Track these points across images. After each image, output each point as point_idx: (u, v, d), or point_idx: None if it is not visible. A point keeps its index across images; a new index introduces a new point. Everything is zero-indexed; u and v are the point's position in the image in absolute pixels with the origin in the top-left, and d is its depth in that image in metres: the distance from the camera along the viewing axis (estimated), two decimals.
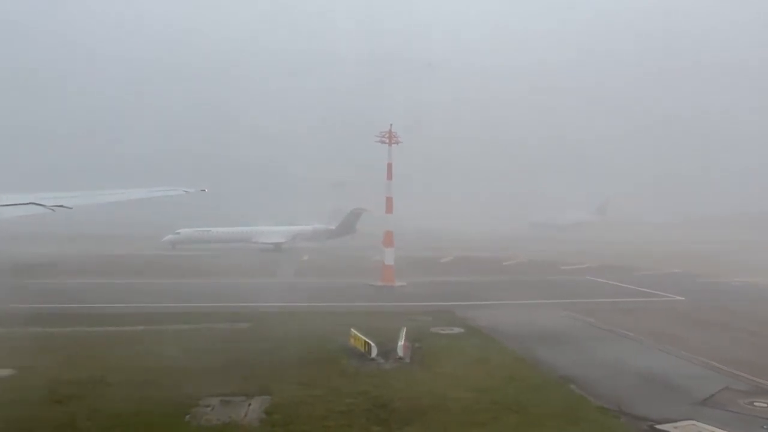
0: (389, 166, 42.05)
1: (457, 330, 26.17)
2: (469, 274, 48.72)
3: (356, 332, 22.52)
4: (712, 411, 15.94)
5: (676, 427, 14.53)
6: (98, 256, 64.19)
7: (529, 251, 69.14)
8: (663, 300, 35.66)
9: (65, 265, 54.45)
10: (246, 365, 20.20)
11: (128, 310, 30.53)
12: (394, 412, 15.61)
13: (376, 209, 77.69)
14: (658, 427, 14.64)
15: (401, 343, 21.43)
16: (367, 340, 21.40)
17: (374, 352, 20.94)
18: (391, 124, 42.10)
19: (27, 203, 12.76)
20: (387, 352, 21.37)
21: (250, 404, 16.28)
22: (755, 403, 16.50)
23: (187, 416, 15.33)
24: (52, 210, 12.75)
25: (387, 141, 41.86)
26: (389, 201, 42.19)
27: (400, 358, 20.96)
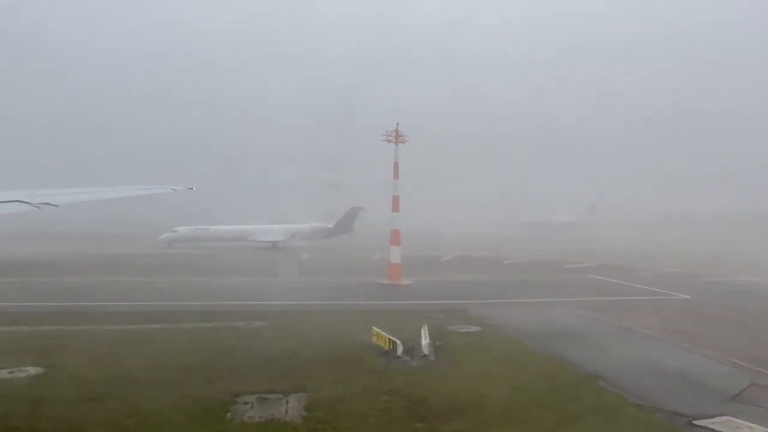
0: (396, 165, 42.17)
1: (474, 328, 26.31)
2: (473, 273, 48.91)
3: (379, 330, 22.63)
4: (743, 407, 16.20)
5: (713, 423, 14.75)
6: (97, 255, 63.82)
7: (525, 251, 69.48)
8: (670, 298, 36.04)
9: (65, 264, 54.14)
10: (273, 363, 20.21)
11: (141, 309, 30.40)
12: (432, 409, 15.71)
13: (370, 208, 78.54)
14: (696, 422, 14.85)
15: (426, 341, 21.52)
16: (392, 338, 21.51)
17: (400, 350, 21.03)
18: (397, 123, 42.20)
19: (13, 201, 12.61)
20: (411, 349, 21.48)
21: (288, 401, 16.31)
22: None
23: (229, 413, 15.33)
24: (38, 208, 12.58)
25: (393, 140, 41.89)
26: (396, 200, 42.32)
27: (425, 356, 21.06)
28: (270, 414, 15.35)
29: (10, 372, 18.88)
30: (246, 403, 16.13)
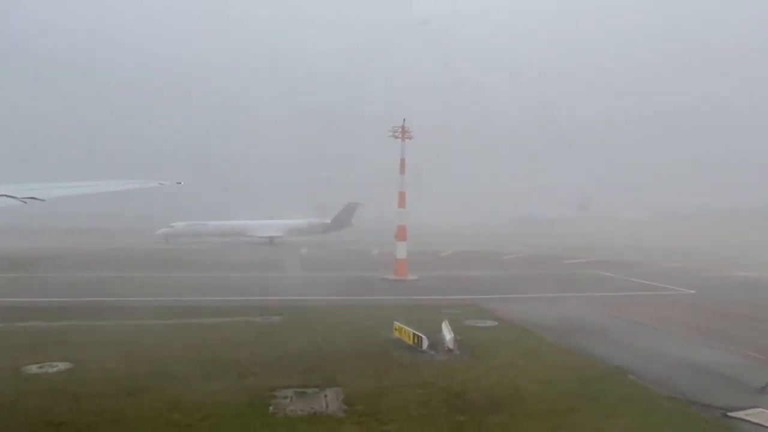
0: (402, 161, 42.26)
1: (491, 323, 26.53)
2: (477, 268, 49.21)
3: (402, 325, 22.79)
4: None
5: (747, 414, 15.05)
6: (96, 250, 63.55)
7: (521, 246, 69.95)
8: (677, 293, 36.47)
9: (67, 259, 53.84)
10: (299, 358, 20.29)
11: (155, 304, 30.37)
12: (470, 402, 15.87)
13: (366, 203, 78.81)
14: (730, 414, 15.16)
15: (451, 335, 21.70)
16: (416, 332, 21.66)
17: (425, 345, 21.19)
18: (404, 119, 42.23)
19: None
20: (434, 344, 21.64)
21: (326, 395, 16.42)
22: None
23: (270, 407, 15.43)
24: (24, 202, 12.24)
25: (400, 136, 42.00)
26: (402, 195, 42.44)
27: (450, 351, 21.23)
28: (311, 408, 15.44)
29: (40, 367, 18.85)
30: (285, 397, 16.21)
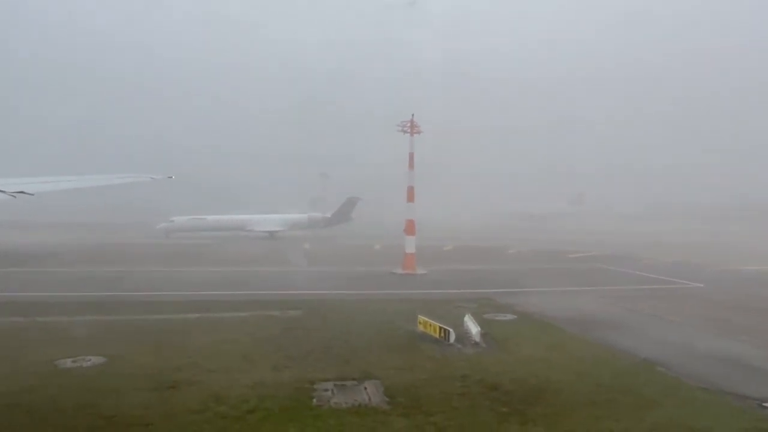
0: (411, 156, 42.44)
1: (510, 316, 26.77)
2: (483, 262, 49.57)
3: (426, 318, 23.01)
4: None
5: None
6: (97, 244, 63.45)
7: (521, 241, 70.37)
8: (686, 287, 36.89)
9: (71, 254, 53.78)
10: (328, 351, 20.44)
11: (171, 298, 30.45)
12: (508, 394, 16.09)
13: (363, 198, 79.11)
14: (765, 404, 15.49)
15: (478, 329, 21.93)
16: (443, 326, 21.88)
17: (452, 338, 21.41)
18: (413, 114, 42.40)
19: None
20: (460, 337, 21.85)
21: (365, 388, 16.59)
22: None
23: (314, 399, 15.58)
24: (14, 196, 12.31)
25: (408, 130, 42.16)
26: (410, 190, 42.64)
27: (477, 344, 21.47)
28: (354, 400, 15.61)
29: (74, 361, 18.89)
30: (325, 390, 16.36)
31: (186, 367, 18.35)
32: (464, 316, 23.84)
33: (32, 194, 12.79)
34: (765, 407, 15.34)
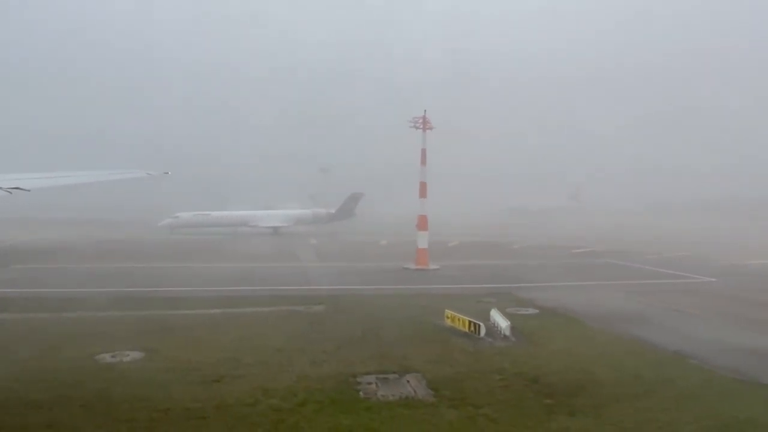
0: (423, 152, 42.67)
1: (531, 311, 27.05)
2: (491, 257, 49.91)
3: (454, 313, 23.29)
4: None
5: None
6: (105, 240, 63.44)
7: (522, 236, 70.78)
8: (697, 281, 37.28)
9: (80, 250, 53.75)
10: (361, 345, 20.63)
11: (193, 294, 30.75)
12: (550, 386, 16.33)
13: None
14: None
15: (507, 323, 22.19)
16: (473, 320, 22.15)
17: (483, 332, 21.69)
18: (425, 110, 42.58)
19: None
20: (489, 331, 22.11)
21: (408, 381, 16.84)
22: None
23: (360, 392, 15.82)
24: (10, 192, 12.24)
25: (421, 127, 42.37)
26: (423, 186, 42.86)
27: (506, 337, 21.74)
28: (400, 393, 15.84)
29: (113, 356, 19.04)
30: (369, 383, 16.59)
31: (224, 361, 18.51)
32: (489, 310, 24.09)
33: (28, 190, 12.78)
34: None
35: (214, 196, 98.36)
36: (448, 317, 23.53)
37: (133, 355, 19.14)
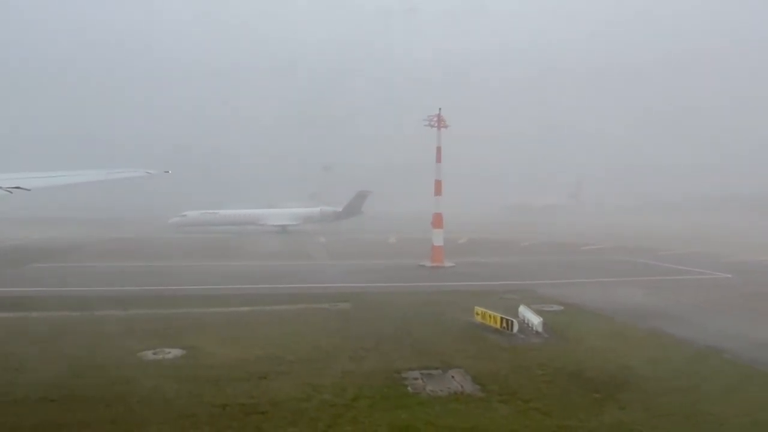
0: (438, 149, 42.93)
1: (556, 307, 27.22)
2: (503, 255, 50.23)
3: (484, 309, 23.52)
4: None
5: None
6: (114, 239, 63.53)
7: (527, 233, 71.11)
8: (714, 277, 37.56)
9: (93, 249, 53.87)
10: (396, 342, 20.70)
11: (218, 292, 30.92)
12: (593, 381, 16.55)
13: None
14: None
15: (539, 319, 22.44)
16: (505, 316, 22.39)
17: (516, 328, 21.93)
18: (440, 108, 42.84)
19: None
20: (521, 327, 22.34)
21: (453, 376, 17.06)
22: None
23: (408, 387, 16.03)
24: (10, 192, 12.21)
25: (436, 125, 42.63)
26: (438, 184, 43.11)
27: (538, 333, 21.99)
28: (447, 388, 16.04)
29: (154, 353, 19.18)
30: (415, 379, 16.77)
31: (266, 358, 18.67)
32: (513, 306, 24.34)
33: (29, 189, 12.78)
34: None
35: (215, 194, 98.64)
36: (477, 314, 23.75)
37: (174, 352, 19.27)
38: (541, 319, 22.39)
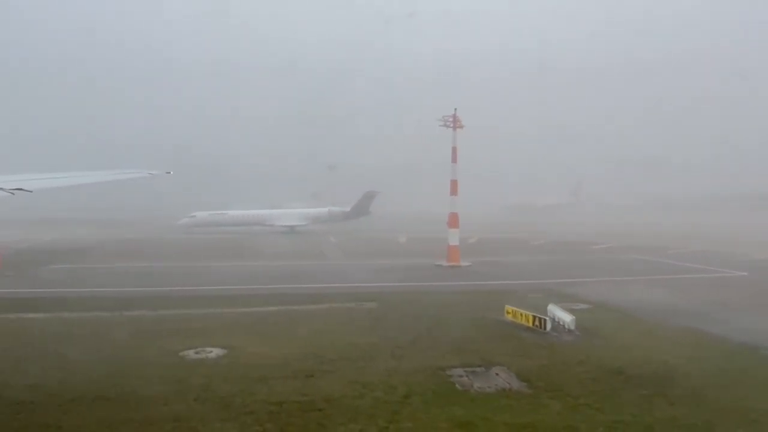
0: (454, 149, 43.15)
1: (582, 306, 27.33)
2: (516, 254, 50.47)
3: (515, 308, 23.74)
4: None
5: None
6: (127, 240, 63.65)
7: (534, 233, 71.36)
8: (731, 276, 37.79)
9: (108, 250, 53.97)
10: (434, 340, 20.86)
11: (242, 292, 30.96)
12: (636, 377, 16.68)
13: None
14: None
15: (572, 317, 22.63)
16: (538, 315, 22.61)
17: (549, 326, 22.15)
18: (455, 109, 43.06)
19: None
20: (553, 326, 22.54)
21: (497, 374, 17.25)
22: None
23: (456, 385, 16.21)
24: (12, 194, 12.13)
25: (452, 125, 42.86)
26: (454, 183, 43.34)
27: (571, 331, 22.18)
28: (495, 385, 16.22)
29: (196, 352, 19.34)
30: (460, 376, 16.95)
31: (307, 357, 18.79)
32: (538, 305, 24.49)
33: (31, 191, 12.75)
34: None
35: (215, 195, 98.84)
36: (508, 312, 23.95)
37: (215, 352, 19.41)
38: (573, 317, 22.53)
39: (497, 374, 17.20)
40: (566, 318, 22.73)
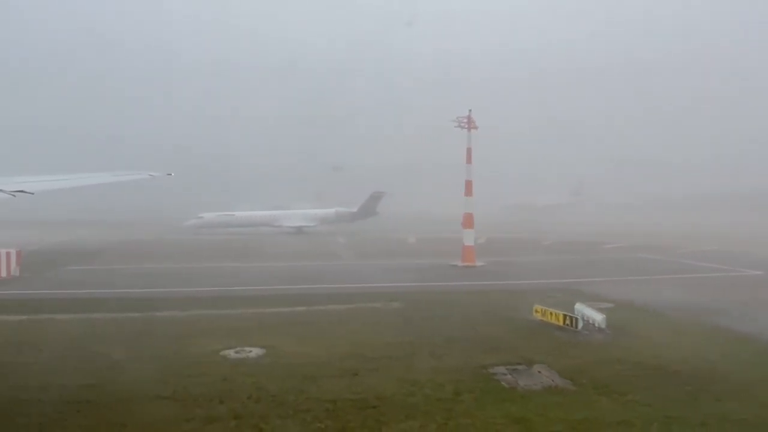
0: (468, 150, 43.40)
1: (606, 305, 27.35)
2: (529, 253, 50.65)
3: (545, 307, 23.94)
4: None
5: None
6: (137, 241, 63.68)
7: (538, 232, 71.60)
8: (747, 275, 38.04)
9: (121, 251, 54.07)
10: (468, 339, 20.90)
11: (264, 293, 30.95)
12: (678, 374, 16.83)
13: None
14: None
15: (602, 315, 22.83)
16: (568, 314, 22.81)
17: (580, 325, 22.35)
18: (470, 110, 43.31)
19: None
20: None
21: (539, 371, 17.45)
22: None
23: (502, 383, 16.37)
24: (14, 195, 12.15)
25: (466, 126, 43.10)
26: (468, 184, 43.57)
27: (602, 330, 22.38)
28: (539, 382, 16.40)
29: (236, 352, 19.47)
30: (504, 374, 17.15)
31: (348, 356, 18.89)
32: (562, 304, 24.68)
33: (32, 193, 12.80)
34: None
35: (216, 195, 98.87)
36: (537, 311, 24.12)
37: (255, 351, 19.52)
38: (604, 315, 22.72)
39: (539, 372, 17.38)
40: (597, 317, 22.88)
